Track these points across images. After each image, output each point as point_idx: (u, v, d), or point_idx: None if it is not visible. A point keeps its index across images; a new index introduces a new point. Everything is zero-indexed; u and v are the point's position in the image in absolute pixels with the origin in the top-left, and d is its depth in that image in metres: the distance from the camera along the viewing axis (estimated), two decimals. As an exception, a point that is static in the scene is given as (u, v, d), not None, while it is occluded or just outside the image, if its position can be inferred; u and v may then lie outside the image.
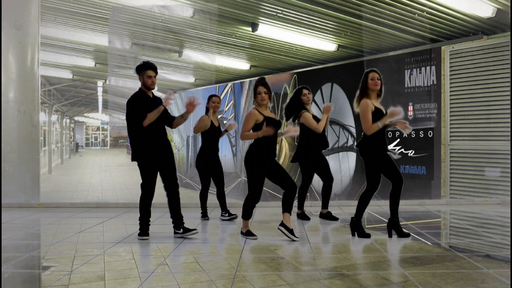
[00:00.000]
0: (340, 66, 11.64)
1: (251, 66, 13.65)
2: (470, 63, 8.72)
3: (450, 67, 9.02)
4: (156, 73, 4.75)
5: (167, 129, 4.89)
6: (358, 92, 4.63)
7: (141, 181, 4.74)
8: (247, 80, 15.21)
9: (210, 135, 5.78)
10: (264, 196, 14.46)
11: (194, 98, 4.71)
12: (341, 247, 4.46)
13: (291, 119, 5.63)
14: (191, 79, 17.09)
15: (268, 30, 9.53)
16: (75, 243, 4.54)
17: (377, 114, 4.52)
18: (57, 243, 4.54)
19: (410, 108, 9.53)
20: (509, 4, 7.31)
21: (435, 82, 9.23)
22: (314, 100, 10.82)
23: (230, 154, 16.24)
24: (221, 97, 16.52)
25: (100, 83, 22.24)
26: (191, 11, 8.51)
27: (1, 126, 6.75)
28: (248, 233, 4.67)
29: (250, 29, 9.40)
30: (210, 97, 5.86)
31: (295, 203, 5.03)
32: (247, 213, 4.69)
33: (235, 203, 8.04)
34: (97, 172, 25.37)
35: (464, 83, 8.83)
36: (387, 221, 4.69)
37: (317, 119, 5.52)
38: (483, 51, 8.51)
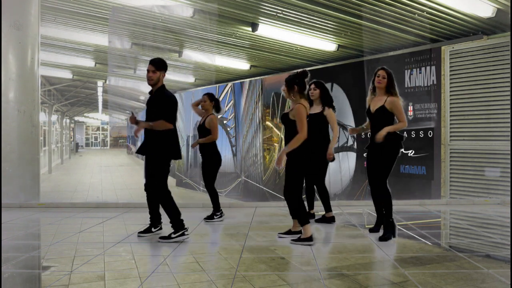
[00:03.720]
0: (340, 66, 11.64)
1: (251, 66, 13.65)
2: (470, 63, 8.71)
3: (450, 67, 9.01)
4: (156, 68, 4.61)
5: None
6: None
7: (143, 181, 4.75)
8: (247, 80, 15.20)
9: (199, 135, 5.82)
10: (264, 196, 14.51)
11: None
12: (341, 247, 4.46)
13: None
14: (191, 79, 17.09)
15: (268, 30, 9.52)
16: (75, 243, 4.54)
17: (367, 111, 4.71)
18: (57, 243, 4.54)
19: (410, 108, 9.52)
20: (509, 4, 7.31)
21: (435, 82, 9.22)
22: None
23: (230, 154, 16.23)
24: (221, 97, 16.51)
25: (100, 83, 22.24)
26: (191, 11, 8.51)
27: (1, 126, 6.75)
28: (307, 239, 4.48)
29: (250, 29, 9.40)
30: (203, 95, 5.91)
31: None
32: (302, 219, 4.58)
33: (234, 203, 8.06)
34: (97, 172, 25.38)
35: (464, 83, 8.83)
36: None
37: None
38: (483, 51, 8.50)
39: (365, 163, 4.77)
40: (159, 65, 4.63)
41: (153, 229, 4.87)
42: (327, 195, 5.42)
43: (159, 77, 4.63)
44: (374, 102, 4.65)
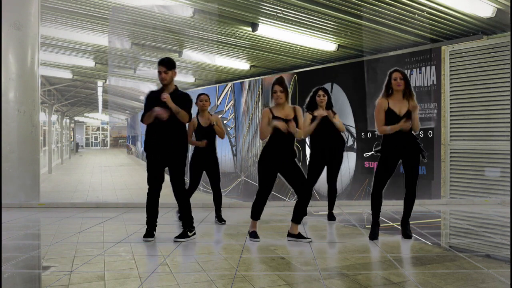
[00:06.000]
0: (340, 66, 11.64)
1: (251, 66, 13.65)
2: (470, 63, 8.71)
3: (450, 67, 9.01)
4: (167, 68, 4.58)
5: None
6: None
7: (144, 181, 4.76)
8: (247, 80, 15.21)
9: (200, 135, 5.72)
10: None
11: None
12: (341, 247, 4.46)
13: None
14: (191, 79, 17.09)
15: (268, 30, 9.53)
16: (75, 243, 4.54)
17: (389, 115, 4.48)
18: (57, 243, 4.54)
19: (410, 108, 9.52)
20: (509, 4, 7.31)
21: (435, 82, 9.23)
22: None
23: (230, 154, 16.23)
24: (221, 97, 16.53)
25: (100, 83, 22.25)
26: (191, 11, 8.51)
27: (1, 126, 6.75)
28: (252, 235, 4.64)
29: (250, 29, 9.40)
30: (198, 96, 5.76)
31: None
32: (254, 213, 4.66)
33: (234, 203, 8.05)
34: (97, 172, 25.38)
35: (464, 83, 8.83)
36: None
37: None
38: (483, 51, 8.51)
39: (396, 167, 4.66)
40: (169, 65, 4.61)
41: (154, 232, 4.75)
42: (334, 193, 5.72)
43: (171, 76, 4.64)
44: (398, 105, 4.48)
